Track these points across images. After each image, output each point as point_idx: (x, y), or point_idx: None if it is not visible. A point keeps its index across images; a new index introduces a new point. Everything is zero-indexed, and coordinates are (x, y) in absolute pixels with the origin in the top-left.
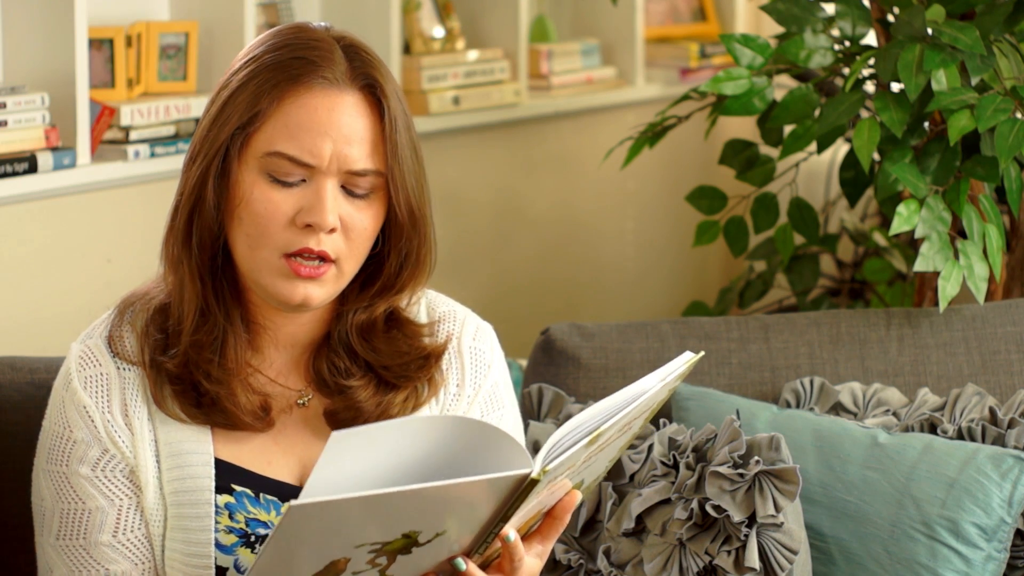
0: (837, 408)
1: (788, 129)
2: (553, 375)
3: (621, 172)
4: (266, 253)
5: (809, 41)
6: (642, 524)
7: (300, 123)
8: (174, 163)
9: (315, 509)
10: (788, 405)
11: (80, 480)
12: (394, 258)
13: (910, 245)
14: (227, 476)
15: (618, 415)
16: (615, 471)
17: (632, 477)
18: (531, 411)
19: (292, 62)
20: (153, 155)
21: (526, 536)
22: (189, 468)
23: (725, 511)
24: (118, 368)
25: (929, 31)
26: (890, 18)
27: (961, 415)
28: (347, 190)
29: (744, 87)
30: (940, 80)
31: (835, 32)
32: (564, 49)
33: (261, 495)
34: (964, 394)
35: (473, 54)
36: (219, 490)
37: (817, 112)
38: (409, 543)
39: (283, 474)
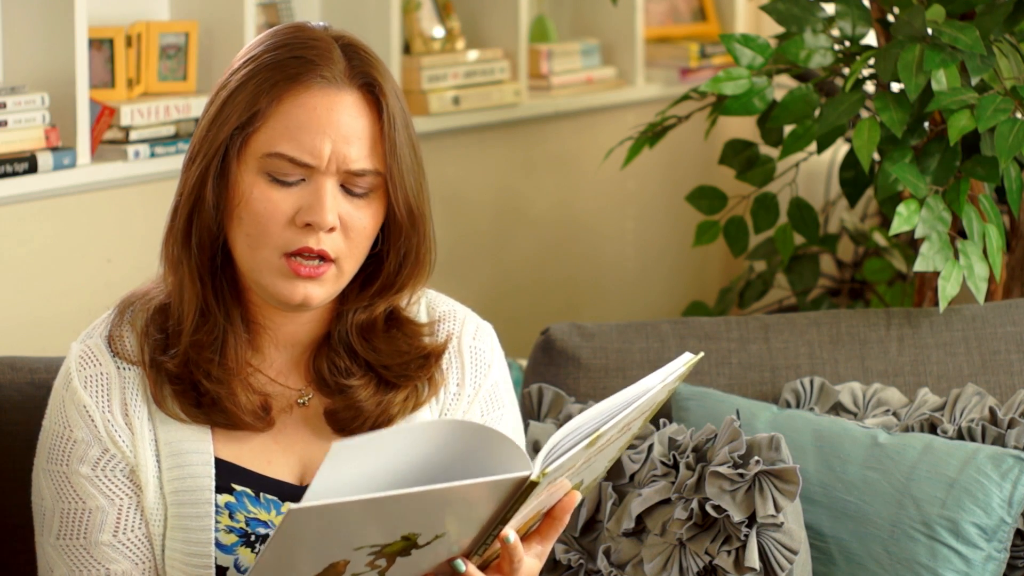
0: (837, 408)
1: (788, 129)
2: (553, 375)
3: (621, 172)
4: (266, 253)
5: (809, 41)
6: (642, 524)
7: (299, 123)
8: (174, 163)
9: (315, 512)
10: (788, 405)
11: (80, 480)
12: (393, 257)
13: (910, 245)
14: (227, 475)
15: (618, 417)
16: (615, 471)
17: (632, 477)
18: (531, 411)
19: (291, 61)
20: (153, 155)
21: (525, 536)
22: (189, 468)
23: (725, 511)
24: (118, 368)
25: (929, 31)
26: (890, 18)
27: (961, 415)
28: (346, 189)
29: (744, 87)
30: (940, 80)
31: (835, 32)
32: (564, 49)
33: (261, 494)
34: (964, 394)
35: (473, 54)
36: (219, 489)
37: (817, 112)
38: (408, 545)
39: (283, 473)
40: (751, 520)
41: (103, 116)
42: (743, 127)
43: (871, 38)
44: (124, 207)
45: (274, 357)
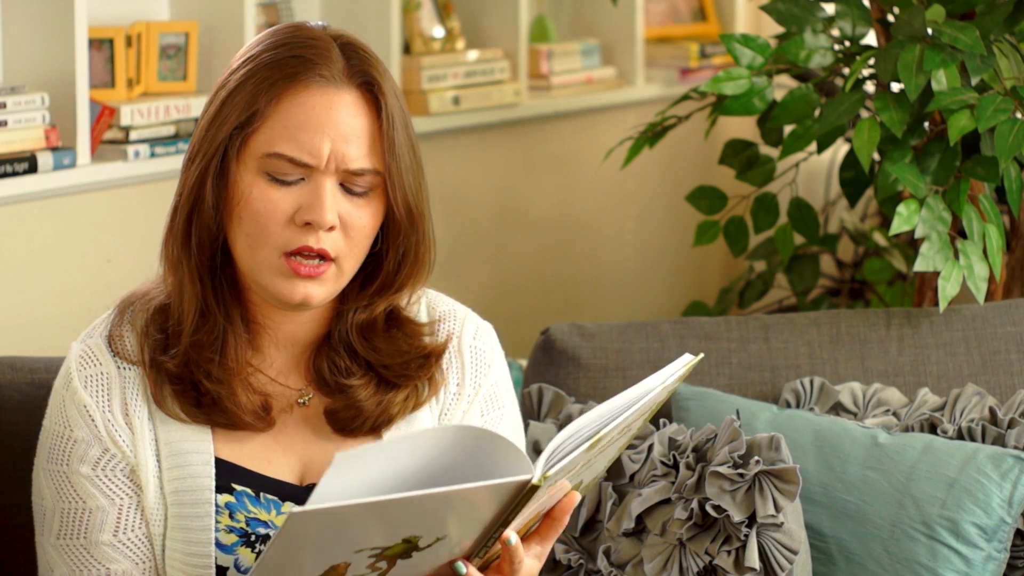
0: (837, 408)
1: (788, 129)
2: (553, 375)
3: (621, 172)
4: (266, 252)
5: (809, 41)
6: (642, 524)
7: (298, 122)
8: (174, 163)
9: (317, 516)
10: (788, 405)
11: (81, 479)
12: (392, 256)
13: (910, 245)
14: (227, 475)
15: (619, 419)
16: (615, 471)
17: (632, 477)
18: (531, 411)
19: (289, 61)
20: (153, 155)
21: (525, 537)
22: (189, 467)
23: (725, 511)
24: (118, 367)
25: (929, 31)
26: (890, 18)
27: (961, 415)
28: (346, 188)
29: (744, 87)
30: (940, 80)
31: (835, 32)
32: (564, 49)
33: (261, 494)
34: (964, 394)
35: (473, 54)
36: (219, 489)
37: (817, 112)
38: (409, 548)
39: (283, 473)
40: (751, 520)
41: (103, 116)
42: (743, 127)
43: (871, 38)
44: (124, 207)
45: (274, 357)
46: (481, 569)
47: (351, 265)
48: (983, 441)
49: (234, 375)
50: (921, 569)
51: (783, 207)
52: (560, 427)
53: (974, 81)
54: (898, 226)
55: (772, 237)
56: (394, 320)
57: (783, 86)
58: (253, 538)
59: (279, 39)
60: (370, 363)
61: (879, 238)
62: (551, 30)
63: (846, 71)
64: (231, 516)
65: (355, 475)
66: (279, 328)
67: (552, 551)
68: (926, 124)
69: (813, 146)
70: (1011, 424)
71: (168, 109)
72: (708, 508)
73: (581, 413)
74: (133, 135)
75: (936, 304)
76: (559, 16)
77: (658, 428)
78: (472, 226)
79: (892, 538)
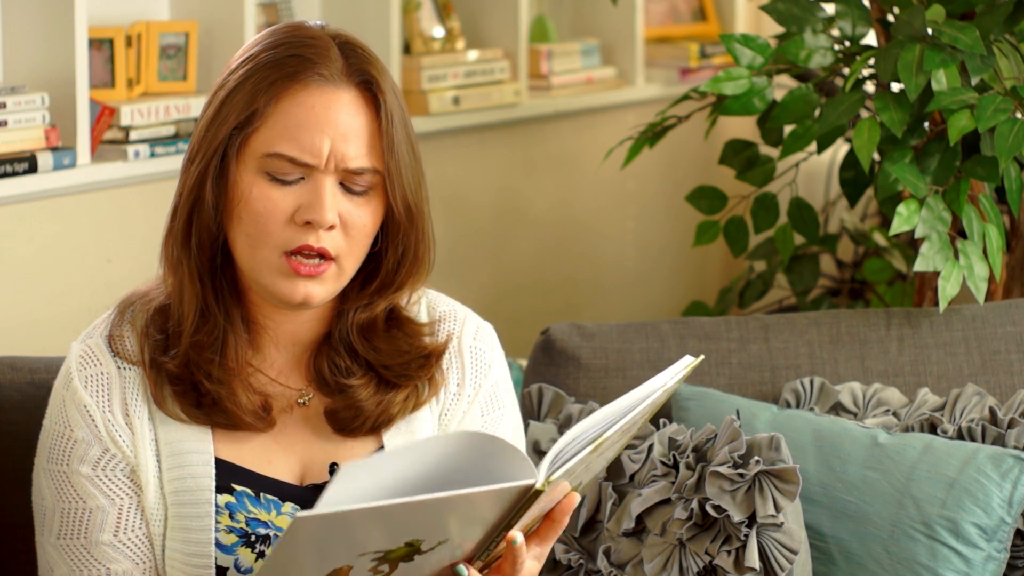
0: (837, 408)
1: (788, 129)
2: (553, 375)
3: (621, 172)
4: (266, 252)
5: (809, 41)
6: (642, 524)
7: (297, 121)
8: (174, 163)
9: (321, 520)
10: (788, 405)
11: (81, 479)
12: (392, 255)
13: (910, 245)
14: (227, 476)
15: (620, 422)
16: (615, 471)
17: (632, 477)
18: (531, 411)
19: (288, 60)
20: (153, 155)
21: (525, 538)
22: (189, 468)
23: (725, 511)
24: (118, 367)
25: (929, 31)
26: (890, 18)
27: (961, 415)
28: (345, 187)
29: (744, 87)
30: (940, 80)
31: (835, 32)
32: (564, 49)
33: (261, 495)
34: (964, 394)
35: (473, 54)
36: (219, 490)
37: (817, 112)
38: (412, 551)
39: (283, 473)
40: (751, 520)
41: (103, 116)
42: (743, 127)
43: (871, 38)
44: (124, 207)
45: (274, 357)
46: (481, 571)
47: (351, 264)
48: (983, 441)
49: (234, 375)
50: (921, 569)
51: (783, 207)
52: (560, 427)
53: (974, 81)
54: (898, 226)
55: (772, 237)
56: (394, 320)
57: (783, 86)
58: (253, 538)
59: (278, 39)
60: (370, 363)
61: (879, 238)
62: (551, 30)
63: (846, 71)
64: (231, 516)
65: (361, 483)
66: (279, 328)
67: (552, 551)
68: (926, 124)
69: (813, 146)
70: (1011, 424)
71: (168, 109)
72: (708, 508)
73: (581, 413)
74: (133, 135)
75: (936, 304)
76: (559, 16)
77: (658, 428)
78: (472, 226)
79: (892, 538)
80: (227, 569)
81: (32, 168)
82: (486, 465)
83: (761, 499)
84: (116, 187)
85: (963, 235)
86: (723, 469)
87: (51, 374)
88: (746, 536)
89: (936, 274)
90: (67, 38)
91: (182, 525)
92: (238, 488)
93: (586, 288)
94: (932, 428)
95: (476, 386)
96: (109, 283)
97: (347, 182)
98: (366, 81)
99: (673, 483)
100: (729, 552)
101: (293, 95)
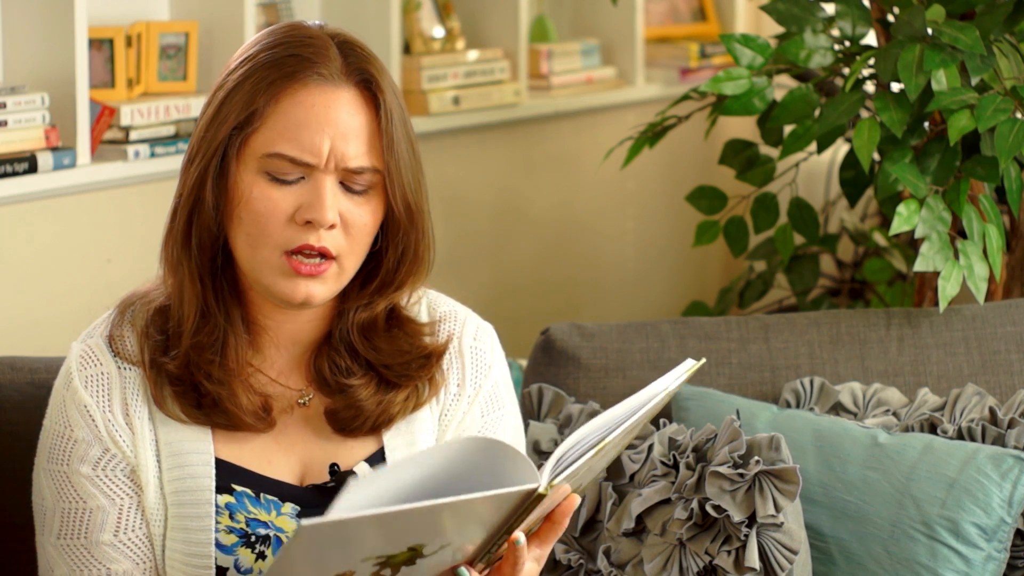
0: (837, 408)
1: (788, 129)
2: (553, 375)
3: (621, 172)
4: (267, 252)
5: (809, 41)
6: (642, 524)
7: (297, 121)
8: (174, 163)
9: (325, 528)
10: (788, 405)
11: (81, 479)
12: (392, 254)
13: (910, 245)
14: (227, 476)
15: (623, 425)
16: (615, 471)
17: (632, 477)
18: (531, 411)
19: (287, 59)
20: (153, 155)
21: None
22: (189, 468)
23: (725, 511)
24: (119, 368)
25: (929, 31)
26: (890, 18)
27: (961, 415)
28: (345, 186)
29: (744, 87)
30: (940, 80)
31: (835, 32)
32: (564, 49)
33: (261, 495)
34: (964, 394)
35: (473, 54)
36: (219, 490)
37: (817, 112)
38: (414, 555)
39: (283, 474)
40: (751, 520)
41: (103, 116)
42: (743, 127)
43: (871, 38)
44: (124, 207)
45: (275, 357)
46: (482, 572)
47: (352, 263)
48: (983, 441)
49: (235, 376)
50: (921, 569)
51: (783, 207)
52: (560, 427)
53: (974, 81)
54: (898, 226)
55: (772, 237)
56: (395, 319)
57: (783, 86)
58: (253, 539)
59: (276, 39)
60: (371, 363)
61: (879, 238)
62: (551, 30)
63: (846, 71)
64: (231, 517)
65: (368, 493)
66: (280, 328)
67: (552, 551)
68: (926, 124)
69: (813, 146)
70: (1011, 424)
71: (168, 109)
72: (708, 508)
73: (581, 413)
74: (133, 135)
75: (936, 304)
76: (559, 16)
77: (658, 428)
78: (472, 226)
79: (892, 538)
80: (227, 569)
81: (32, 168)
82: (489, 469)
83: (761, 499)
84: (116, 187)
85: (963, 235)
86: (723, 469)
87: (51, 374)
88: (746, 536)
89: (936, 274)
90: (67, 38)
91: (182, 525)
92: (238, 488)
93: (586, 288)
94: (932, 428)
95: (476, 387)
96: (109, 283)
97: (347, 181)
98: (365, 80)
99: (673, 483)
100: (729, 552)
101: (292, 95)
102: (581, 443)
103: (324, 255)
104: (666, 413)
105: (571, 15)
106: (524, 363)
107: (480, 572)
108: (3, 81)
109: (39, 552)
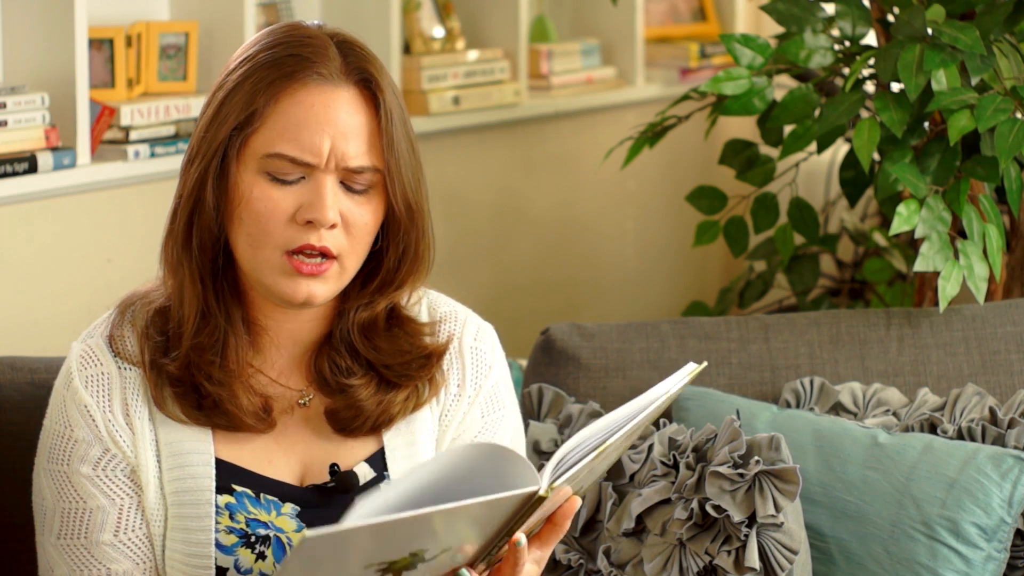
0: (837, 408)
1: (788, 129)
2: (553, 375)
3: (621, 172)
4: (268, 252)
5: (809, 41)
6: (642, 524)
7: (297, 121)
8: (174, 163)
9: (328, 539)
10: (788, 405)
11: (81, 479)
12: (392, 253)
13: (910, 245)
14: (228, 476)
15: (624, 428)
16: (615, 471)
17: (632, 477)
18: (531, 411)
19: (287, 59)
20: (153, 155)
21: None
22: (190, 468)
23: (725, 511)
24: (119, 368)
25: (929, 31)
26: (890, 18)
27: (961, 415)
28: (346, 186)
29: (744, 87)
30: (940, 80)
31: (835, 32)
32: (564, 49)
33: (262, 495)
34: (964, 394)
35: (473, 54)
36: (219, 490)
37: (817, 112)
38: (416, 559)
39: (284, 474)
40: (751, 520)
41: (103, 116)
42: (743, 127)
43: (871, 38)
44: (124, 207)
45: (275, 358)
46: (482, 574)
47: (353, 263)
48: (983, 441)
49: (235, 377)
50: (921, 569)
51: (783, 207)
52: (560, 427)
53: (974, 81)
54: (898, 226)
55: (772, 237)
56: (395, 319)
57: (783, 86)
58: (253, 539)
59: (276, 39)
60: (371, 363)
61: (879, 238)
62: (551, 30)
63: (846, 71)
64: (231, 517)
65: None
66: (280, 328)
67: (552, 551)
68: (926, 124)
69: (813, 146)
70: (1011, 424)
71: (168, 109)
72: (708, 508)
73: (581, 413)
74: (133, 135)
75: (936, 304)
76: (559, 16)
77: (658, 428)
78: (472, 226)
79: (892, 538)
80: (227, 569)
81: (32, 168)
82: (490, 472)
83: (761, 499)
84: (116, 187)
85: (963, 235)
86: (723, 469)
87: (51, 374)
88: (746, 536)
89: (936, 274)
90: (67, 38)
91: (182, 526)
92: (238, 489)
93: (586, 288)
94: (932, 428)
95: (476, 387)
96: (109, 283)
97: (347, 181)
98: (365, 79)
99: (673, 483)
100: (729, 552)
101: (292, 94)
102: (582, 445)
103: (325, 255)
104: (666, 413)
105: (571, 15)
106: (524, 363)
107: (481, 573)
108: (3, 81)
109: (39, 552)
